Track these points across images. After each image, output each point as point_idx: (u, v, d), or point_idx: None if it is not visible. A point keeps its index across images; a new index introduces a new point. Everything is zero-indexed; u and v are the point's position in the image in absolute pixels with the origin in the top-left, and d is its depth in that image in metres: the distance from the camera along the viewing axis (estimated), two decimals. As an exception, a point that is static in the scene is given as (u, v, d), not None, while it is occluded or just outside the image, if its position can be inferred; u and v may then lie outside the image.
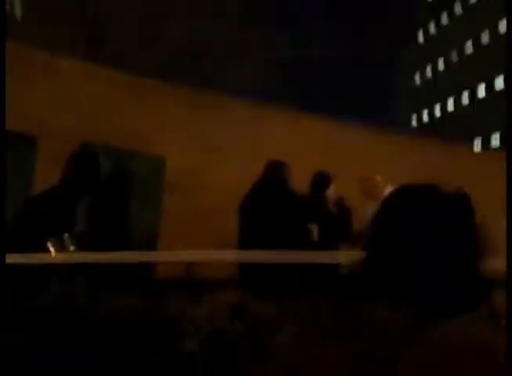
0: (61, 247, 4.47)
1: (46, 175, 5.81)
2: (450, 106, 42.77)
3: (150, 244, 6.30)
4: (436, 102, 44.35)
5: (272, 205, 5.45)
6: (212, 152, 6.69)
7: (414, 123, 46.99)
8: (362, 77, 46.85)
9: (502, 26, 37.25)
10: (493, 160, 7.99)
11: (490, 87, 37.67)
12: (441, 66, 45.12)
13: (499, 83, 36.51)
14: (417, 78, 48.71)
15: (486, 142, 35.48)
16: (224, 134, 6.74)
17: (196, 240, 6.53)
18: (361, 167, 7.16)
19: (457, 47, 42.63)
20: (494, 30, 38.71)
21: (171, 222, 6.41)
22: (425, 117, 46.10)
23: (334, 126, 7.87)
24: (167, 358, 2.56)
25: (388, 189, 6.03)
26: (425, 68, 47.38)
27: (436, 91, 43.34)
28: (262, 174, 5.64)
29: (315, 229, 5.68)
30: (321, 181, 5.97)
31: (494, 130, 35.07)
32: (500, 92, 35.76)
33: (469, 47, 41.43)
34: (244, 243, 5.46)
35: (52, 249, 4.35)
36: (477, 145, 34.01)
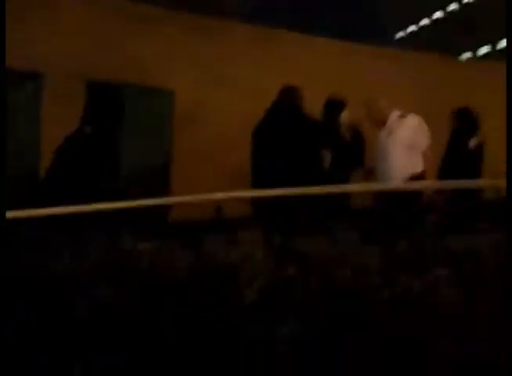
0: None
1: (51, 112, 5.68)
2: (437, 15, 41.84)
3: (163, 176, 6.22)
4: (421, 11, 43.30)
5: (284, 131, 5.33)
6: (223, 82, 6.47)
7: (399, 34, 46.02)
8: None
9: None
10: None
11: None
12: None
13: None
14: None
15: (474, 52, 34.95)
16: (232, 62, 6.50)
17: (210, 173, 6.46)
18: (371, 90, 6.99)
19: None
20: None
21: (183, 155, 6.29)
22: (410, 28, 45.09)
23: (345, 48, 7.61)
24: (229, 309, 2.51)
25: (395, 114, 5.86)
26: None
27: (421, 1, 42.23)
28: (275, 100, 5.49)
29: (327, 156, 5.56)
30: (334, 105, 5.79)
31: (484, 39, 34.49)
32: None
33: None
34: (257, 171, 5.37)
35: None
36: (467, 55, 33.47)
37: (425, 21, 43.23)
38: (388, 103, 5.84)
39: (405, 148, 5.71)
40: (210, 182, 6.34)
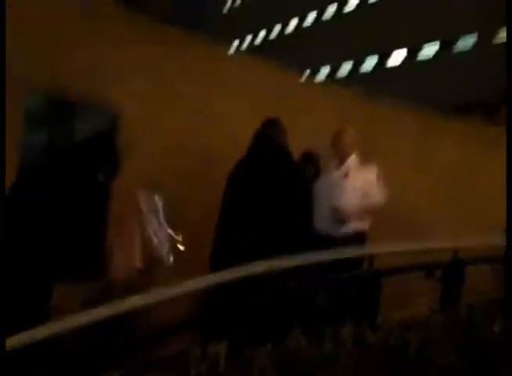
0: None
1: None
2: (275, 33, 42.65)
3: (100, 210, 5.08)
4: (257, 28, 43.88)
5: (277, 183, 4.61)
6: (171, 99, 5.54)
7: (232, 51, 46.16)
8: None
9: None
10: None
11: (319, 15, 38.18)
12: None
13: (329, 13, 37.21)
14: (228, 6, 47.87)
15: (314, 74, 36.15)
16: (183, 78, 5.60)
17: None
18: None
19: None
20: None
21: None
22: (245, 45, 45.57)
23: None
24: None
25: (354, 157, 5.39)
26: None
27: (257, 17, 42.70)
28: (257, 138, 4.78)
29: None
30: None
31: (322, 62, 35.82)
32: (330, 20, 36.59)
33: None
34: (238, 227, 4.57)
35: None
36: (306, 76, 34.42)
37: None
38: (353, 138, 5.46)
39: (359, 197, 5.34)
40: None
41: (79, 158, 3.70)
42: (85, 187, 3.35)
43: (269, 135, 4.71)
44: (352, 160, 5.40)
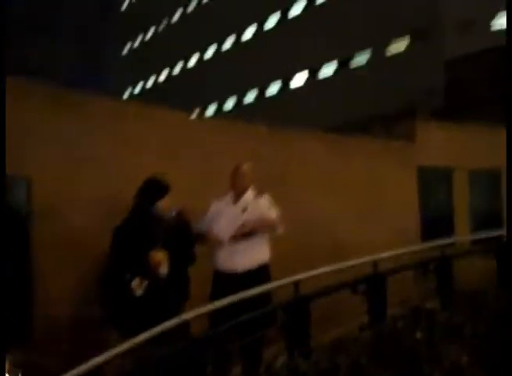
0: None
1: None
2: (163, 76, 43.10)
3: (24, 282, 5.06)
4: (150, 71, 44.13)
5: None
6: (81, 162, 5.57)
7: (126, 95, 46.38)
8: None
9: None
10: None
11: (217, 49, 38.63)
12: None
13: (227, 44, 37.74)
14: (126, 49, 48.09)
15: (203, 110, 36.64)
16: (90, 139, 5.65)
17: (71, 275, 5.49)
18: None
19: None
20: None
21: (44, 252, 5.22)
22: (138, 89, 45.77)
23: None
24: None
25: (251, 192, 5.52)
26: (134, 38, 46.87)
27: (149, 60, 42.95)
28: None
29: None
30: (156, 189, 5.00)
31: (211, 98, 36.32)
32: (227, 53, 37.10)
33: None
34: None
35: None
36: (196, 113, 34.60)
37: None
38: (250, 173, 5.58)
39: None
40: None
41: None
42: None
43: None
44: (249, 194, 5.54)
